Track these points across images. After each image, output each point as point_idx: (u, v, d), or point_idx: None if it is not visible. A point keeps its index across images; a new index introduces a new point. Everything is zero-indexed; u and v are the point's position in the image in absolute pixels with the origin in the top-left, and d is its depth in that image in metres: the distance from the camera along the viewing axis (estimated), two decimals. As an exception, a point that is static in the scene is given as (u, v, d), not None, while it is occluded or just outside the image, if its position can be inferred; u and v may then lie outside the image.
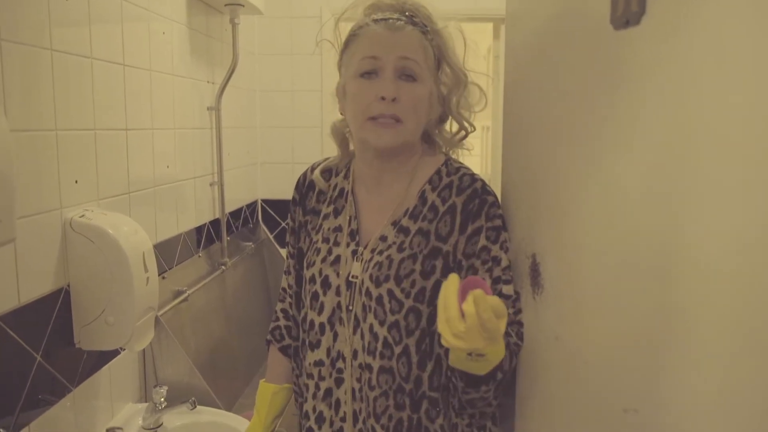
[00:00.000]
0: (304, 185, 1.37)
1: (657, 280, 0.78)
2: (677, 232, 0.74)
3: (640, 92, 0.81)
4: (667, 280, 0.76)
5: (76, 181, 1.54)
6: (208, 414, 1.91)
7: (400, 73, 1.16)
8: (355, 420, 1.20)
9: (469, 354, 0.99)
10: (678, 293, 0.74)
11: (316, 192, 1.34)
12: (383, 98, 1.14)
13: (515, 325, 1.16)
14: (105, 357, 1.70)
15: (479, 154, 4.41)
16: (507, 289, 1.16)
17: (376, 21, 1.19)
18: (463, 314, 0.93)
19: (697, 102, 0.71)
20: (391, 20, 1.18)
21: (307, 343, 1.27)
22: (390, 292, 1.16)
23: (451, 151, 1.31)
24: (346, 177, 1.31)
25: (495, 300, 0.94)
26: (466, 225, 1.18)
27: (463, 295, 0.95)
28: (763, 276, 0.62)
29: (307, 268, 1.28)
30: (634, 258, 0.83)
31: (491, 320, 0.92)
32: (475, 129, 1.30)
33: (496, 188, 1.31)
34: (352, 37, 1.22)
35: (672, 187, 0.75)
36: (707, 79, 0.69)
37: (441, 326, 0.94)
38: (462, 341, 0.93)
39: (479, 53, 4.26)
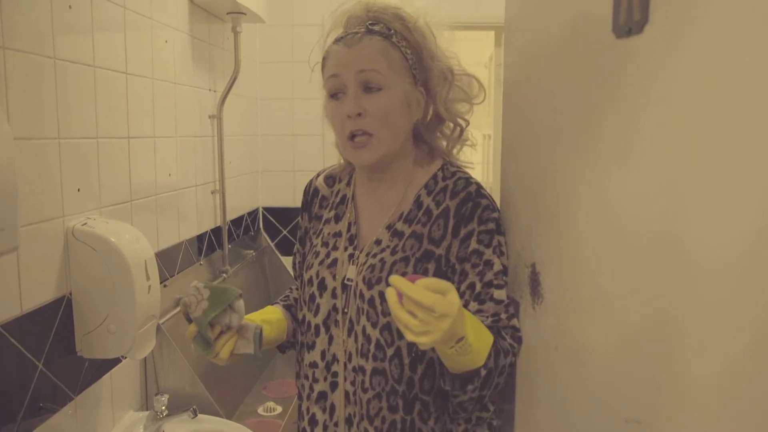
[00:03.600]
0: (310, 192, 1.39)
1: (657, 289, 0.78)
2: (677, 241, 0.74)
3: (641, 100, 0.81)
4: (667, 288, 0.76)
5: (79, 190, 1.54)
6: (209, 422, 1.91)
7: (364, 86, 1.18)
8: (350, 424, 1.21)
9: (451, 347, 1.00)
10: (679, 302, 0.74)
11: (319, 198, 1.36)
12: (349, 116, 1.17)
13: (509, 329, 1.16)
14: (106, 365, 1.70)
15: (481, 162, 4.41)
16: (498, 294, 1.16)
17: (336, 41, 1.23)
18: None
19: (699, 110, 0.71)
20: (348, 36, 1.21)
21: (304, 344, 1.29)
22: (382, 294, 1.17)
23: (455, 151, 1.31)
24: (348, 184, 1.33)
25: (425, 280, 0.96)
26: (459, 228, 1.19)
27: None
28: (762, 283, 0.62)
29: (306, 271, 1.30)
30: (634, 267, 0.83)
31: (425, 295, 0.93)
32: (468, 123, 1.29)
33: (497, 197, 1.31)
34: (323, 60, 1.25)
35: (672, 197, 0.75)
36: (710, 87, 0.69)
37: (409, 337, 0.95)
38: (429, 333, 0.94)
39: (480, 62, 4.27)
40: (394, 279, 0.96)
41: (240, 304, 1.17)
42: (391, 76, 1.19)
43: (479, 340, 1.05)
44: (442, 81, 1.25)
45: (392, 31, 1.22)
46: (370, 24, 1.22)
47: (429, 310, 0.93)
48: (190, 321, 1.17)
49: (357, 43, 1.19)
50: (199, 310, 1.14)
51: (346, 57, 1.19)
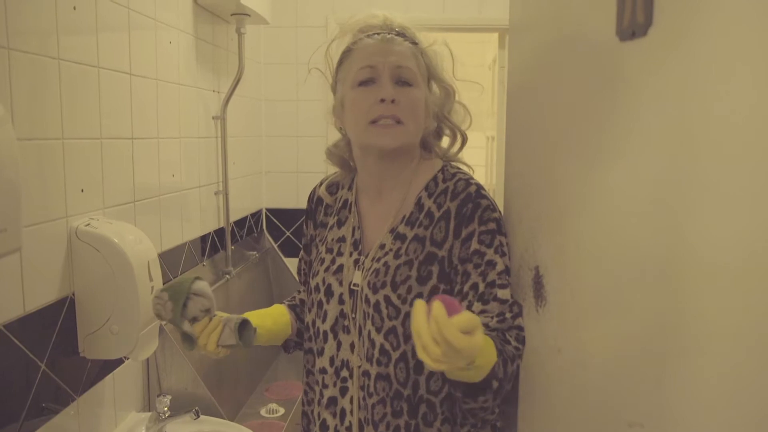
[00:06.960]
0: (314, 201, 1.40)
1: (661, 291, 0.77)
2: (680, 243, 0.73)
3: (645, 103, 0.81)
4: (671, 290, 0.75)
5: (82, 190, 1.54)
6: (211, 423, 1.90)
7: (397, 79, 1.20)
8: (360, 429, 1.21)
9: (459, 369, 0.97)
10: (683, 303, 0.73)
11: (323, 206, 1.37)
12: (383, 100, 1.18)
13: (514, 329, 1.16)
14: (109, 366, 1.70)
15: (484, 165, 4.40)
16: (502, 294, 1.16)
17: (369, 36, 1.25)
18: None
19: (702, 111, 0.70)
20: (383, 34, 1.24)
21: (312, 350, 1.30)
22: (387, 299, 1.18)
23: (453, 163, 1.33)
24: (350, 189, 1.34)
25: (461, 318, 0.89)
26: (459, 229, 1.19)
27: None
28: (766, 283, 0.62)
29: (312, 278, 1.30)
30: (638, 269, 0.82)
31: (459, 339, 0.87)
32: (467, 139, 1.33)
33: (500, 199, 1.31)
34: (346, 53, 1.27)
35: (676, 198, 0.74)
36: (713, 89, 0.69)
37: (420, 354, 0.90)
38: (443, 364, 0.90)
39: (483, 64, 4.27)
40: (435, 306, 0.90)
41: (199, 285, 1.19)
42: (419, 77, 1.23)
43: (485, 359, 1.02)
44: (446, 98, 1.29)
45: (417, 43, 1.26)
46: (399, 31, 1.26)
47: (455, 350, 0.88)
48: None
49: (392, 41, 1.23)
50: (168, 312, 1.17)
51: (383, 50, 1.22)
